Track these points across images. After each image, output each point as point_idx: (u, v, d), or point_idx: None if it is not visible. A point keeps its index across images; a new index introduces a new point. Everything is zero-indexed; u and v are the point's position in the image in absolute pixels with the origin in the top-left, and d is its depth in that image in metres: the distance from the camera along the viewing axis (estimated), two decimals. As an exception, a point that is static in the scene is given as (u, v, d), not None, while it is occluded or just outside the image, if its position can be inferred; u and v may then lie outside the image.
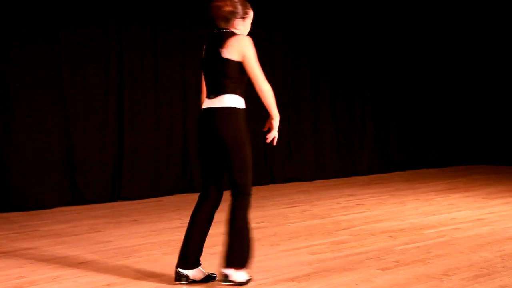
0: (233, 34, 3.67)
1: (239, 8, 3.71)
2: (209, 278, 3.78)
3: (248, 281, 3.71)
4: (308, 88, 8.42)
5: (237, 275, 3.66)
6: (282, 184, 8.05)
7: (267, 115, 3.74)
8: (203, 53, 3.79)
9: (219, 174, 3.76)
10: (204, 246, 3.76)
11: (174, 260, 3.87)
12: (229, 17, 3.70)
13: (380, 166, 9.07)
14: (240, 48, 3.62)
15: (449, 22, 9.77)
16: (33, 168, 6.29)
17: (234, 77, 3.66)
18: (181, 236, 4.96)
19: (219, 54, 3.64)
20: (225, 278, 3.66)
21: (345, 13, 8.70)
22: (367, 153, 8.97)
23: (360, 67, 8.91)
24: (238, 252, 3.65)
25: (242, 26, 3.75)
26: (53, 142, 6.42)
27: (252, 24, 3.82)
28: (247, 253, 3.68)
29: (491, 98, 9.87)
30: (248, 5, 3.78)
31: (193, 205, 6.36)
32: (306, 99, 8.40)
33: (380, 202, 6.59)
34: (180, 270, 3.74)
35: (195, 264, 3.75)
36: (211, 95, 3.69)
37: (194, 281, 3.72)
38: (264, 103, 3.69)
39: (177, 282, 3.73)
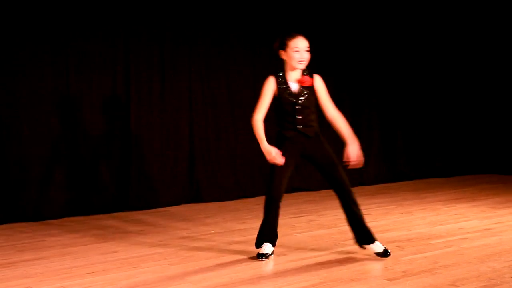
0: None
1: (279, 41, 4.40)
2: None
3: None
4: (314, 98, 8.41)
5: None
6: (289, 194, 8.01)
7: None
8: None
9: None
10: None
11: (181, 270, 3.86)
12: (276, 53, 4.45)
13: (386, 176, 9.04)
14: None
15: (457, 32, 9.76)
16: (39, 179, 6.30)
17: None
18: (189, 246, 4.98)
19: None
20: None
21: (351, 23, 8.71)
22: (373, 163, 8.94)
23: (366, 77, 8.90)
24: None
25: (285, 56, 4.43)
26: (60, 153, 6.43)
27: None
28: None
29: (498, 107, 9.84)
30: (288, 36, 4.38)
31: (200, 215, 6.35)
32: (312, 109, 8.38)
33: (387, 212, 6.57)
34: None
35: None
36: None
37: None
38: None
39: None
